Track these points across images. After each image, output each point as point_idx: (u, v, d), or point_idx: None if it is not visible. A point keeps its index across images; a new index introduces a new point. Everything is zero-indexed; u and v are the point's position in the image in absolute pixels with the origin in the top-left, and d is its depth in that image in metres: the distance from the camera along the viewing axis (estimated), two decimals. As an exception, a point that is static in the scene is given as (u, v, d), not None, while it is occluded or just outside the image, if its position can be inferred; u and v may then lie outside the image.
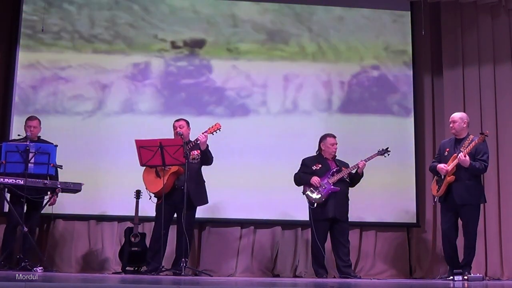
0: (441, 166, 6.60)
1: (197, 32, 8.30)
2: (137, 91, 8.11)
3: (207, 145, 6.73)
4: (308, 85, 8.28)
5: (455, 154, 6.54)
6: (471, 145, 6.51)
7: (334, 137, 7.10)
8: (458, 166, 6.51)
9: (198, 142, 6.63)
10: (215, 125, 6.71)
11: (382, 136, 7.86)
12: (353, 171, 7.01)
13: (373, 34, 8.39)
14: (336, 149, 7.06)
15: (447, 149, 6.71)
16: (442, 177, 6.61)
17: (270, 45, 8.39)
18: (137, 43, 8.18)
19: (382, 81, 8.32)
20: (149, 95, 8.13)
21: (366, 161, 6.97)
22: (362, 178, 7.07)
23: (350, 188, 7.09)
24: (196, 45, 8.35)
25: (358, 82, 8.37)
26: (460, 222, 6.67)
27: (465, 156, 6.44)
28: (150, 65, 8.19)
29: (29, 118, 6.99)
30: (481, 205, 7.22)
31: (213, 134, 6.70)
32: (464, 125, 6.70)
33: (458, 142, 6.67)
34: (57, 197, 6.74)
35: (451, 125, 6.72)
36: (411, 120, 8.10)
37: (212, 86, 8.26)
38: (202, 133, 6.66)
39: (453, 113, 6.91)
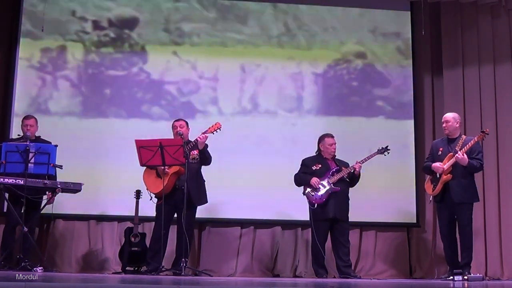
0: (436, 164, 6.62)
1: (127, 8, 7.16)
2: (47, 86, 7.32)
3: (206, 145, 6.72)
4: (271, 78, 7.65)
5: (451, 153, 6.58)
6: (470, 142, 6.54)
7: (332, 136, 7.09)
8: (454, 165, 6.54)
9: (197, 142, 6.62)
10: (215, 124, 6.68)
11: (381, 137, 7.82)
12: (351, 172, 7.00)
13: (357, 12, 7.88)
14: (335, 149, 7.04)
15: (441, 149, 6.74)
16: (438, 175, 6.63)
17: (222, 25, 7.31)
18: (48, 23, 7.23)
19: (369, 73, 7.98)
20: (63, 92, 7.30)
21: (362, 163, 6.95)
22: (360, 179, 7.06)
23: (350, 188, 7.09)
24: (125, 25, 7.17)
25: (337, 74, 7.84)
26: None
27: (463, 155, 6.46)
28: (65, 51, 7.33)
29: (26, 117, 6.97)
30: (480, 204, 7.29)
31: (213, 134, 6.68)
32: (457, 125, 6.75)
33: (451, 142, 6.71)
34: (55, 196, 6.72)
35: (444, 125, 6.76)
36: (411, 120, 8.07)
37: (147, 79, 7.30)
38: (202, 134, 6.65)
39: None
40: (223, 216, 7.69)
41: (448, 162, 6.58)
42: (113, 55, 7.75)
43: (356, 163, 6.94)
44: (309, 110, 7.94)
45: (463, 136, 6.71)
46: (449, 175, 6.56)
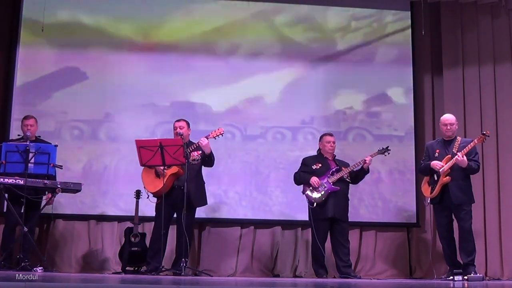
0: (435, 162, 6.60)
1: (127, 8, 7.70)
2: (47, 86, 7.51)
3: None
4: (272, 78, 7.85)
5: (449, 155, 6.58)
6: (470, 144, 6.54)
7: (331, 135, 7.11)
8: (452, 167, 6.54)
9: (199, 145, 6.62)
10: (218, 129, 6.67)
11: (380, 137, 7.84)
12: (358, 168, 6.98)
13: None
14: (332, 147, 7.03)
15: (437, 150, 6.73)
16: (436, 178, 6.62)
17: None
18: (48, 24, 7.38)
19: (369, 73, 8.04)
20: (63, 92, 7.48)
21: (372, 157, 6.97)
22: (367, 174, 7.07)
23: (353, 185, 7.09)
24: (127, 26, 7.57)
25: (336, 73, 7.95)
26: (455, 223, 6.70)
27: (462, 157, 6.47)
28: (64, 52, 7.54)
29: (25, 118, 6.96)
30: (480, 205, 7.33)
31: (215, 139, 6.68)
32: (457, 127, 6.78)
33: (447, 144, 6.71)
34: (54, 197, 6.72)
35: (448, 127, 6.71)
36: (411, 120, 8.05)
37: (149, 79, 7.62)
38: (204, 137, 6.63)
39: (452, 113, 6.95)
40: (223, 216, 7.68)
41: (446, 164, 6.58)
42: (114, 56, 7.78)
43: (367, 156, 6.93)
44: (309, 109, 7.93)
45: (458, 138, 6.72)
46: (447, 177, 6.56)
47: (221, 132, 6.66)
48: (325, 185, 6.87)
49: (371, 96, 8.10)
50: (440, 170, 6.54)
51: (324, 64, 8.09)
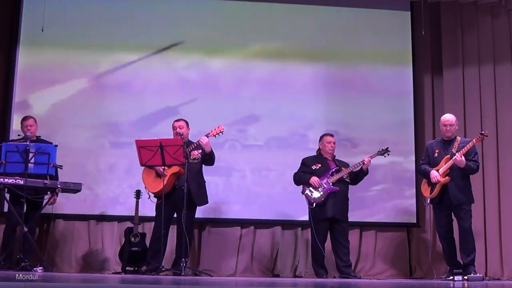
0: (434, 174, 6.60)
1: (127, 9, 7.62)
2: (47, 87, 7.47)
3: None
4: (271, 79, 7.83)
5: (448, 156, 6.58)
6: (468, 144, 6.54)
7: (332, 135, 7.11)
8: (452, 167, 6.54)
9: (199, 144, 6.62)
10: (218, 127, 6.68)
11: (380, 137, 7.83)
12: (357, 169, 6.99)
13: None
14: (332, 147, 7.03)
15: (437, 150, 6.73)
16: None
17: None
18: (48, 24, 7.29)
19: (369, 73, 7.99)
20: (63, 92, 7.49)
21: (371, 158, 6.96)
22: (366, 176, 7.06)
23: (352, 186, 7.08)
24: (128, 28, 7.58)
25: (337, 74, 7.94)
26: (455, 223, 6.70)
27: (461, 157, 6.47)
28: (64, 52, 7.56)
29: (24, 118, 6.97)
30: (480, 205, 7.33)
31: (215, 137, 6.68)
32: (457, 127, 6.79)
33: (447, 144, 6.71)
34: (57, 196, 6.74)
35: (447, 128, 6.71)
36: (411, 120, 8.05)
37: (149, 80, 7.60)
38: (205, 136, 6.63)
39: (452, 113, 6.94)
40: (223, 216, 7.69)
41: (445, 165, 6.59)
42: (114, 57, 7.77)
43: (366, 157, 6.93)
44: (309, 110, 7.92)
45: (458, 138, 6.72)
46: (447, 177, 6.56)
47: (221, 130, 6.67)
48: (324, 185, 6.87)
49: (371, 96, 8.03)
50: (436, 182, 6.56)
51: (323, 64, 8.04)
